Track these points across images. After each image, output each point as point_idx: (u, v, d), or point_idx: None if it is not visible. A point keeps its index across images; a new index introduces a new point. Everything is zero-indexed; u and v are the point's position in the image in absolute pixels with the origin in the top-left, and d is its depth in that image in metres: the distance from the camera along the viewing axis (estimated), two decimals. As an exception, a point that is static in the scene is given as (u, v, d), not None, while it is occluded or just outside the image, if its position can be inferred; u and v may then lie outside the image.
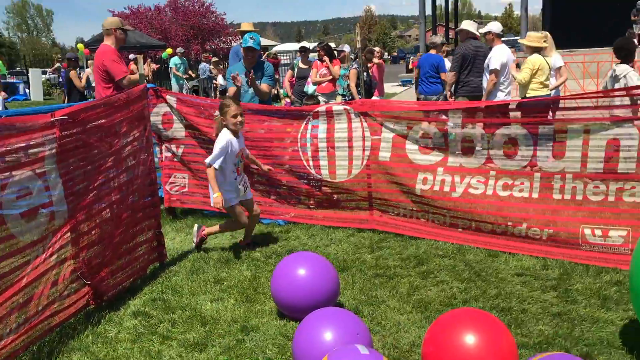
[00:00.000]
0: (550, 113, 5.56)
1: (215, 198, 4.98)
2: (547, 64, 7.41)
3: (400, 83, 27.16)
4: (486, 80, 8.00)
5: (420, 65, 9.85)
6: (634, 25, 22.92)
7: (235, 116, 5.09)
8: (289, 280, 3.90)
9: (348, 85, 10.22)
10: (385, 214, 5.81)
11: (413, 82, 20.37)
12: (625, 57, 7.06)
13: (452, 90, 8.92)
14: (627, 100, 4.81)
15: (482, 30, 8.38)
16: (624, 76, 6.74)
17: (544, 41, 7.47)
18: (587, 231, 4.75)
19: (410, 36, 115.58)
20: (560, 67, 7.96)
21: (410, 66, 24.66)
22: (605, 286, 4.25)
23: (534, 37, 7.51)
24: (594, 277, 4.44)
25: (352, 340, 3.05)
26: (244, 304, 4.28)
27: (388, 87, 21.44)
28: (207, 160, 5.07)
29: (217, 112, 5.40)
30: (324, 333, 3.11)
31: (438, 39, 10.05)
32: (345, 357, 2.72)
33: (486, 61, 8.01)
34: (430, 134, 5.48)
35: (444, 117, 5.41)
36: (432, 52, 9.82)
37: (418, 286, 4.44)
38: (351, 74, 9.94)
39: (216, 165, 5.03)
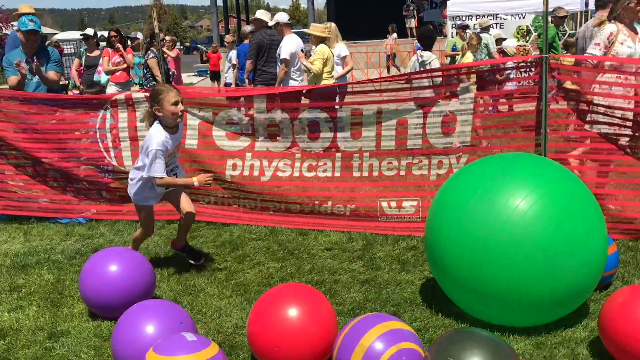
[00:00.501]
0: (338, 98, 5.94)
1: (198, 181, 4.13)
2: (332, 54, 7.82)
3: (196, 73, 26.81)
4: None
5: (238, 55, 10.35)
6: (406, 20, 25.41)
7: (175, 104, 4.05)
8: (100, 278, 3.66)
9: (145, 74, 9.81)
10: (195, 203, 5.70)
11: (208, 72, 20.28)
12: (428, 45, 7.91)
13: (250, 78, 9.04)
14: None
15: (271, 23, 8.55)
16: (430, 62, 7.55)
17: (329, 32, 7.87)
18: (384, 204, 5.20)
19: (202, 26, 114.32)
20: (345, 57, 8.42)
21: (205, 57, 24.46)
22: (403, 252, 4.70)
23: (319, 28, 7.86)
24: (393, 244, 4.87)
25: (176, 329, 2.98)
26: (48, 309, 3.92)
27: (184, 77, 20.99)
28: (152, 175, 4.05)
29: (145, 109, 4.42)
30: (145, 327, 2.99)
31: (249, 28, 10.14)
32: (171, 345, 2.64)
33: (277, 51, 8.22)
34: (236, 119, 5.52)
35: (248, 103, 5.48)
36: (246, 42, 9.95)
37: (235, 270, 4.47)
38: (152, 63, 9.56)
39: (163, 173, 4.07)
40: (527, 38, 14.86)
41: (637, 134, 4.75)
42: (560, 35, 10.99)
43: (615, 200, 4.97)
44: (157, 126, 4.12)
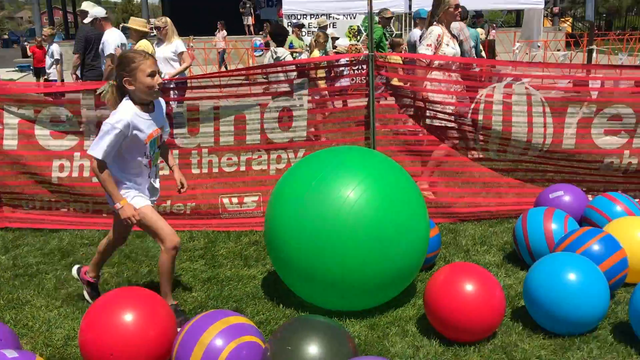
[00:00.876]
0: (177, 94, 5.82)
1: (123, 209, 3.27)
2: (154, 50, 7.56)
3: (17, 68, 24.52)
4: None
5: None
6: (243, 17, 25.44)
7: (152, 75, 3.25)
8: None
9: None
10: (18, 209, 5.25)
11: (32, 67, 18.67)
12: (281, 41, 8.24)
13: (79, 74, 8.48)
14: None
15: (87, 20, 8.04)
16: (284, 58, 7.91)
17: (165, 27, 7.61)
18: (226, 200, 5.18)
19: (22, 18, 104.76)
20: (182, 53, 8.19)
21: (29, 51, 22.47)
22: (245, 247, 4.72)
23: (139, 22, 7.53)
24: (235, 241, 4.87)
25: (-5, 348, 2.71)
26: None
27: (3, 73, 19.21)
28: (92, 152, 3.19)
29: (106, 84, 3.39)
30: (-43, 348, 2.69)
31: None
32: (-10, 366, 2.41)
33: (100, 46, 7.80)
34: (61, 117, 5.15)
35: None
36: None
37: (66, 279, 4.18)
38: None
39: (99, 154, 3.16)
40: (358, 38, 15.62)
41: (456, 127, 5.22)
42: (387, 35, 11.72)
43: (437, 187, 5.43)
44: (125, 102, 3.28)
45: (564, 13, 33.81)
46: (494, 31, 18.32)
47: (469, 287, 3.08)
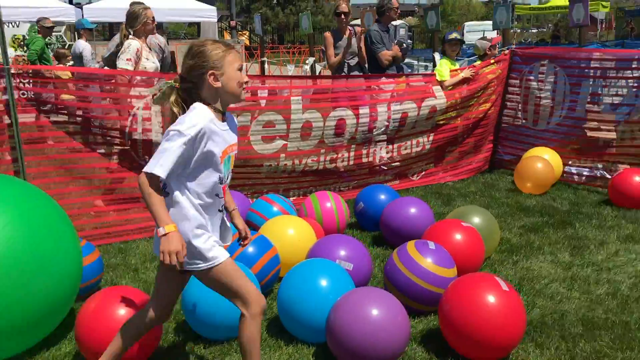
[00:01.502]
0: None
1: (168, 237, 2.26)
2: None
3: None
4: None
5: None
6: None
7: (240, 68, 2.42)
8: None
9: None
10: None
11: None
12: None
13: None
14: None
15: None
16: None
17: None
18: None
19: None
20: None
21: None
22: None
23: None
24: None
25: None
26: None
27: None
28: (150, 169, 2.25)
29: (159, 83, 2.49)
30: None
31: None
32: None
33: None
34: None
35: None
36: None
37: None
38: None
39: (155, 169, 2.25)
40: (25, 49, 14.19)
41: (122, 142, 5.02)
42: (58, 44, 10.89)
43: (111, 205, 5.14)
44: (199, 105, 2.40)
45: (242, 27, 36.14)
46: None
47: (119, 312, 2.92)
